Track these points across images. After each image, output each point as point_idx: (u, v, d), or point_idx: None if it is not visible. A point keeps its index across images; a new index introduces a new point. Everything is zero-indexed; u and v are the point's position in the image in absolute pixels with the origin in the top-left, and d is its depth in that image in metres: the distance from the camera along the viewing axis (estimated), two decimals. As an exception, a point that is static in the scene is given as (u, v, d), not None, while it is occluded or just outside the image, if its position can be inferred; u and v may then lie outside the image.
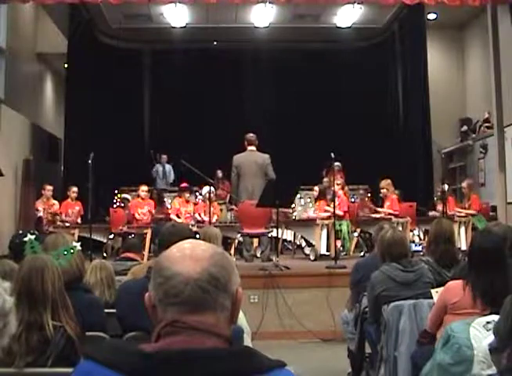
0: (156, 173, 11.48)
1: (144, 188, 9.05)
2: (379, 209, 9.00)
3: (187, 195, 9.21)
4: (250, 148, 7.87)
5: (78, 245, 2.77)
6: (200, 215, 8.98)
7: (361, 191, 10.20)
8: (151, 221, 8.66)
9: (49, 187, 9.11)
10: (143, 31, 12.10)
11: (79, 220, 9.08)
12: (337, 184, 8.49)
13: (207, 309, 1.11)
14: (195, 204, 9.39)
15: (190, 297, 1.10)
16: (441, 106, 11.76)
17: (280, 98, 12.06)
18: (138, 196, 9.06)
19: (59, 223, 8.78)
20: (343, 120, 12.05)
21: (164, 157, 11.44)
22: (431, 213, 9.51)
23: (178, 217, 8.82)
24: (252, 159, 7.76)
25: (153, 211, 8.97)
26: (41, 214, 8.81)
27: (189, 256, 1.14)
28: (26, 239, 2.51)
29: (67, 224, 8.77)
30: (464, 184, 9.33)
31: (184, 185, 9.39)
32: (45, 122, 11.92)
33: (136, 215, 8.78)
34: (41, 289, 2.22)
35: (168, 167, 11.49)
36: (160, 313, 1.12)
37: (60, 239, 2.86)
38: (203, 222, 8.53)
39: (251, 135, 7.96)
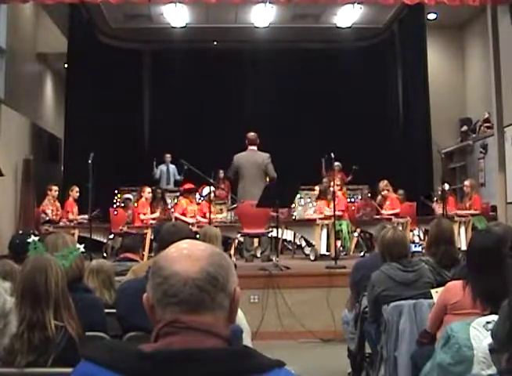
0: (160, 173, 11.42)
1: (148, 190, 9.06)
2: (380, 210, 8.99)
3: (195, 195, 9.23)
4: (251, 147, 7.84)
5: (82, 247, 2.79)
6: (204, 214, 8.93)
7: (365, 191, 10.20)
8: (157, 221, 8.65)
9: (55, 188, 9.01)
10: (143, 31, 12.10)
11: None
12: (337, 185, 8.50)
13: (205, 309, 1.11)
14: (197, 204, 9.39)
15: (189, 296, 1.10)
16: (441, 106, 11.75)
17: (280, 98, 12.06)
18: (141, 197, 9.06)
19: (58, 223, 8.75)
20: (343, 120, 12.05)
21: (168, 156, 11.26)
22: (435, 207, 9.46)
23: (185, 215, 8.82)
24: (252, 159, 7.73)
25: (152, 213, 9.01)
26: (49, 217, 8.72)
27: (187, 256, 1.14)
28: (29, 240, 2.51)
29: (71, 223, 8.75)
30: (467, 183, 9.27)
31: (189, 186, 9.36)
32: (45, 122, 11.92)
33: (142, 216, 8.76)
34: (45, 288, 2.22)
35: (172, 167, 11.42)
36: (159, 313, 1.12)
37: (60, 239, 2.86)
38: (206, 222, 8.50)
39: (252, 134, 7.91)
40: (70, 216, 8.93)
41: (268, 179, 7.76)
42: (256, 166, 7.68)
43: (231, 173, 7.89)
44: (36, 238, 2.55)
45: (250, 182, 7.52)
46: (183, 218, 8.61)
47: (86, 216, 8.16)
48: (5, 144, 9.08)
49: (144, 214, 8.85)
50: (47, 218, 8.68)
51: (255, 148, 7.85)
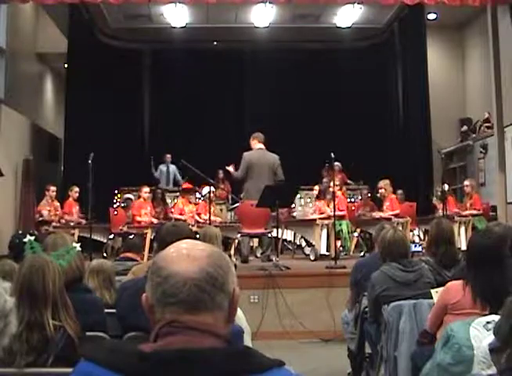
0: (160, 173, 11.42)
1: (146, 189, 9.04)
2: (379, 212, 8.97)
3: (190, 196, 9.22)
4: (259, 146, 7.80)
5: (78, 246, 2.78)
6: (199, 215, 8.95)
7: (365, 191, 10.20)
8: (154, 222, 8.64)
9: (53, 188, 9.03)
10: (143, 31, 12.10)
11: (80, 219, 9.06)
12: (337, 185, 8.49)
13: (204, 309, 1.11)
14: (196, 204, 9.39)
15: (188, 296, 1.10)
16: (441, 106, 11.75)
17: (280, 98, 12.06)
18: (140, 197, 9.05)
19: (58, 223, 8.75)
20: (343, 120, 12.05)
21: (168, 156, 11.26)
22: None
23: (182, 215, 8.81)
24: (263, 159, 7.68)
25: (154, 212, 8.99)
26: (44, 217, 8.71)
27: (186, 256, 1.14)
28: (25, 240, 2.51)
29: (71, 223, 8.75)
30: (467, 183, 9.26)
31: (187, 186, 9.36)
32: (45, 122, 11.93)
33: (138, 218, 8.74)
34: (42, 288, 2.22)
35: (172, 167, 11.42)
36: (158, 313, 1.12)
37: (59, 239, 2.86)
38: (203, 222, 8.51)
39: (260, 133, 7.86)
40: (70, 216, 8.93)
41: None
42: (267, 166, 7.63)
43: (242, 171, 7.70)
44: (32, 238, 2.54)
45: (260, 181, 7.39)
46: (181, 217, 8.62)
47: (84, 221, 8.14)
48: (5, 144, 9.09)
49: (140, 215, 8.78)
50: (40, 219, 8.68)
51: (263, 147, 7.81)
